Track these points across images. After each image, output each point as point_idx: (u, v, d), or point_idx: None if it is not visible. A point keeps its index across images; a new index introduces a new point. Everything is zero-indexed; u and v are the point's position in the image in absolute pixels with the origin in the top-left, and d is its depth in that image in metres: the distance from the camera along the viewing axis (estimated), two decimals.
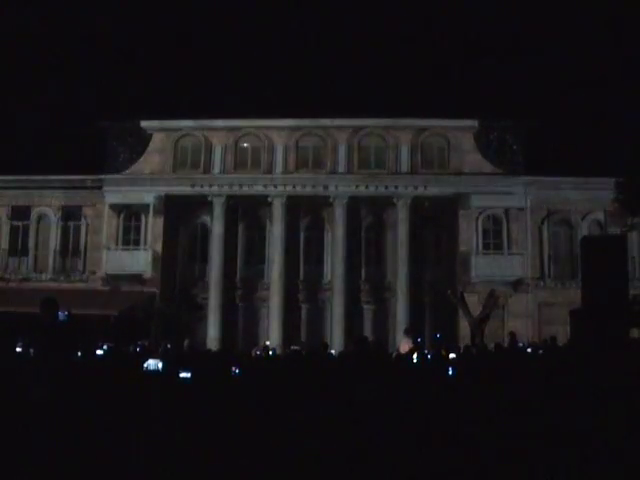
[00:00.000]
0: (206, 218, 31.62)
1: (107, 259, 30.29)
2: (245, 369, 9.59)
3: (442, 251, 31.11)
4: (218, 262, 30.56)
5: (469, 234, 29.83)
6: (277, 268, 30.34)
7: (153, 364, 10.47)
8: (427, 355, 14.42)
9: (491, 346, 15.77)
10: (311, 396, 6.61)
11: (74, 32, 39.29)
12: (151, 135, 31.75)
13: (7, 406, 5.79)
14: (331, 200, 30.57)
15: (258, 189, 30.69)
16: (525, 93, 34.98)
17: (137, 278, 29.82)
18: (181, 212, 31.69)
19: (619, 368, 8.44)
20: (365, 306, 30.78)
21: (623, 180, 28.61)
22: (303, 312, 31.05)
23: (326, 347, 15.40)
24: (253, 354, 18.53)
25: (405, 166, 30.92)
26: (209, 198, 30.85)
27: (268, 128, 31.61)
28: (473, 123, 30.93)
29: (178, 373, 8.83)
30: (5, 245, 32.08)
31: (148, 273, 30.08)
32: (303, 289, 31.13)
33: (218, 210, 30.85)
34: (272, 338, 28.26)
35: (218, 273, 30.54)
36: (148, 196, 30.36)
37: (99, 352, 13.73)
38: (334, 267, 30.38)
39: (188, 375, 8.57)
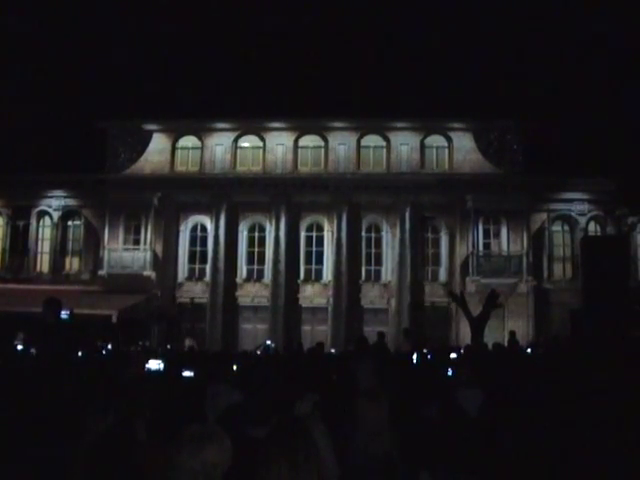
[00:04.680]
0: (206, 218, 31.61)
1: (107, 259, 30.30)
2: (245, 367, 9.56)
3: (442, 251, 31.11)
4: (218, 262, 30.58)
5: (469, 234, 29.86)
6: (278, 268, 30.37)
7: (155, 365, 10.46)
8: (427, 355, 14.42)
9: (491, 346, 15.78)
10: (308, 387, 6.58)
11: (74, 32, 39.28)
12: (151, 135, 31.80)
13: (10, 405, 5.80)
14: (331, 200, 30.57)
15: (258, 189, 30.71)
16: (525, 93, 34.96)
17: (137, 278, 29.83)
18: (181, 212, 31.70)
19: (619, 368, 8.45)
20: (365, 306, 30.76)
21: (623, 180, 28.68)
22: (303, 312, 31.04)
23: (322, 346, 15.41)
24: (254, 353, 18.53)
25: (405, 166, 30.97)
26: (209, 198, 30.86)
27: (268, 128, 31.66)
28: (473, 123, 30.97)
29: (181, 372, 8.82)
30: (5, 245, 32.09)
31: (148, 273, 30.10)
32: (303, 289, 31.13)
33: (218, 210, 30.87)
34: (272, 338, 28.23)
35: (218, 273, 30.56)
36: (148, 196, 30.37)
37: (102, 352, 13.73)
38: (334, 267, 30.40)
39: (191, 374, 8.57)
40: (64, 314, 8.50)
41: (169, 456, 2.89)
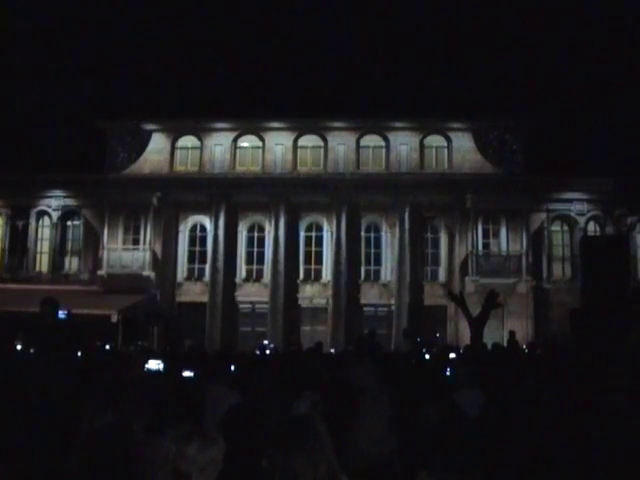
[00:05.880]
0: (205, 218, 31.58)
1: (106, 259, 30.26)
2: (244, 367, 9.54)
3: (441, 251, 31.09)
4: (217, 262, 30.54)
5: (469, 234, 29.83)
6: (277, 268, 30.33)
7: (154, 365, 10.44)
8: (425, 355, 14.41)
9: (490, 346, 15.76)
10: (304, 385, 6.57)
11: (74, 32, 39.27)
12: (150, 135, 31.75)
13: (9, 405, 5.79)
14: (330, 200, 30.55)
15: (257, 189, 30.68)
16: (525, 93, 34.99)
17: (136, 278, 29.80)
18: (180, 212, 31.67)
19: (619, 368, 8.43)
20: (365, 306, 30.72)
21: (622, 180, 28.69)
22: (303, 312, 31.02)
23: (321, 346, 15.38)
24: (253, 353, 18.47)
25: (405, 166, 30.95)
26: (208, 198, 30.83)
27: (267, 128, 31.63)
28: (473, 123, 30.94)
29: (180, 373, 8.80)
30: (4, 245, 32.05)
31: (147, 273, 30.07)
32: (303, 289, 31.10)
33: (217, 210, 30.83)
34: (271, 338, 28.22)
35: (217, 273, 30.52)
36: (147, 196, 30.33)
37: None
38: (334, 267, 30.36)
39: (191, 374, 8.55)
40: (62, 314, 8.48)
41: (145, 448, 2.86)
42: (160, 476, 2.68)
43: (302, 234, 31.49)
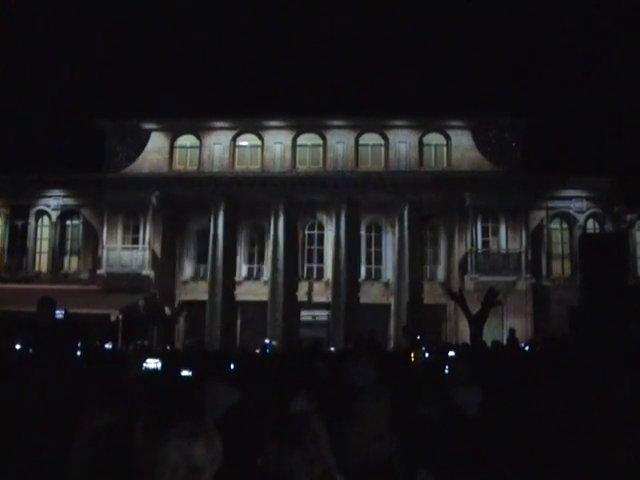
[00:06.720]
0: (205, 217, 31.54)
1: (106, 258, 30.25)
2: (242, 365, 9.54)
3: (441, 249, 31.10)
4: (217, 262, 30.53)
5: (468, 232, 29.83)
6: (277, 267, 30.32)
7: (152, 364, 10.44)
8: (424, 353, 14.44)
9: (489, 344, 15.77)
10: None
11: (74, 31, 39.23)
12: (149, 134, 31.73)
13: (8, 406, 5.77)
14: (330, 198, 30.53)
15: (256, 188, 30.66)
16: (524, 91, 34.96)
17: (136, 277, 29.79)
18: (180, 211, 31.64)
19: (618, 366, 8.44)
20: (365, 304, 30.70)
21: (621, 177, 28.70)
22: (302, 311, 31.01)
23: (320, 345, 15.36)
24: (253, 352, 18.49)
25: (403, 164, 30.93)
26: (208, 197, 30.80)
27: (266, 127, 31.60)
28: (472, 121, 30.92)
29: (179, 372, 8.80)
30: (4, 245, 32.03)
31: (147, 272, 30.05)
32: (303, 288, 31.07)
33: (217, 209, 30.82)
34: (272, 336, 28.23)
35: (217, 273, 30.51)
36: (147, 195, 30.31)
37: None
38: (334, 266, 30.35)
39: (189, 374, 8.55)
40: (59, 313, 8.46)
41: (154, 450, 2.88)
42: (181, 475, 2.72)
43: (302, 233, 31.49)
